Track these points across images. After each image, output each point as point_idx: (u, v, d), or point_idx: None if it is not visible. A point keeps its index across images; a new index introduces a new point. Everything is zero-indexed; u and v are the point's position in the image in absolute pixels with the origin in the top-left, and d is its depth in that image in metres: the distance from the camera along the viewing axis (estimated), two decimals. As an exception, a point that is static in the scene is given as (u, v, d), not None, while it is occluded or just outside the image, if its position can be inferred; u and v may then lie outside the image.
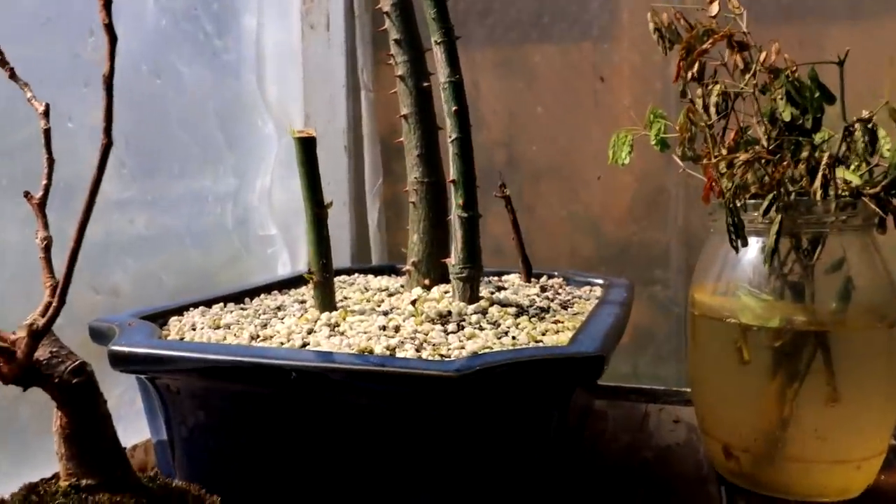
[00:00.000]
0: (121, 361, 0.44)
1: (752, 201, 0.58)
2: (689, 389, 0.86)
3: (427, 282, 0.69)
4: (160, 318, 0.56)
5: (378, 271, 0.85)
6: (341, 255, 0.99)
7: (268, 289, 0.71)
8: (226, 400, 0.45)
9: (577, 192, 0.97)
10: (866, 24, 0.88)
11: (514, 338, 0.52)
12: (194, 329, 0.54)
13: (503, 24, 0.96)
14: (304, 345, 0.50)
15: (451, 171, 0.61)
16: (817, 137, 0.60)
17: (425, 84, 0.68)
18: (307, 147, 0.56)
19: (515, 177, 0.97)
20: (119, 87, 0.67)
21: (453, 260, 0.62)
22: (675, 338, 0.97)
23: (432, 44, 0.61)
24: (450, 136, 0.60)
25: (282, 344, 0.50)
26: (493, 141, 0.98)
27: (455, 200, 0.60)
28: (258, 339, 0.51)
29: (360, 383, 0.41)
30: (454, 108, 0.60)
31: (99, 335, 0.50)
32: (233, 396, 0.45)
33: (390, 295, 0.68)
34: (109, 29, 0.34)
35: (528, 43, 0.95)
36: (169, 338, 0.52)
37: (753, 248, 0.60)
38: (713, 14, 0.59)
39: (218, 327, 0.55)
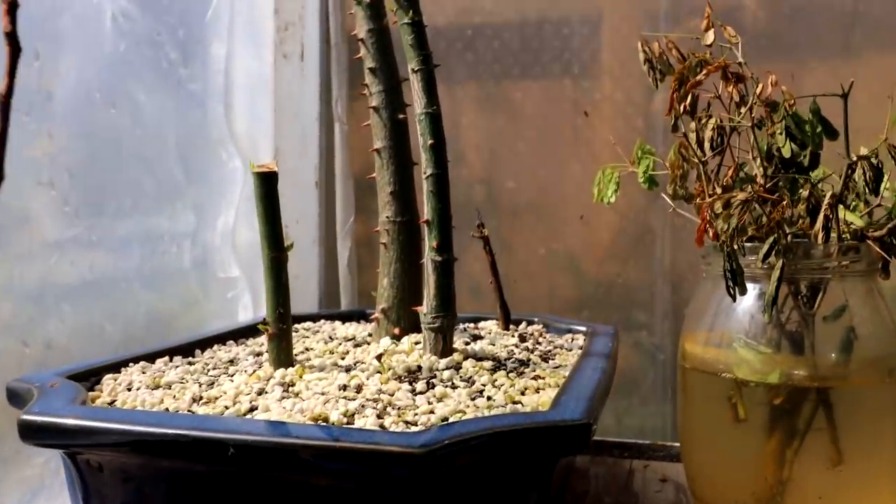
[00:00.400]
0: (31, 434, 0.38)
1: (749, 244, 0.54)
2: (675, 444, 0.81)
3: (397, 331, 0.63)
4: (93, 377, 0.50)
5: (347, 317, 0.79)
6: (309, 298, 0.93)
7: (222, 339, 0.65)
8: (155, 480, 0.39)
9: (558, 231, 0.94)
10: (863, 59, 0.85)
11: (489, 398, 0.47)
12: (130, 389, 0.48)
13: (485, 60, 0.94)
14: (252, 409, 0.44)
15: (426, 210, 0.56)
16: (815, 175, 0.56)
17: (401, 116, 0.64)
18: (267, 182, 0.51)
19: (494, 213, 0.94)
20: (64, 115, 0.62)
21: (425, 308, 0.56)
22: (661, 387, 0.92)
23: (409, 72, 0.57)
24: (425, 172, 0.55)
25: (226, 408, 0.44)
26: (472, 177, 0.94)
27: (429, 242, 0.55)
28: (201, 402, 0.46)
29: (311, 460, 0.35)
30: (430, 142, 0.55)
31: (16, 398, 0.44)
32: (163, 475, 0.39)
33: (357, 345, 0.63)
34: (12, 39, 0.29)
35: (509, 79, 0.94)
36: (98, 401, 0.46)
37: (750, 296, 0.55)
38: (708, 43, 0.55)
39: (157, 387, 0.49)
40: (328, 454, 0.35)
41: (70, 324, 0.60)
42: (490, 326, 0.74)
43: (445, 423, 0.40)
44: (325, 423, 0.40)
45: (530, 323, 0.75)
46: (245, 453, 0.36)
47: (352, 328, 0.72)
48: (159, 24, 0.72)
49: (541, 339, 0.69)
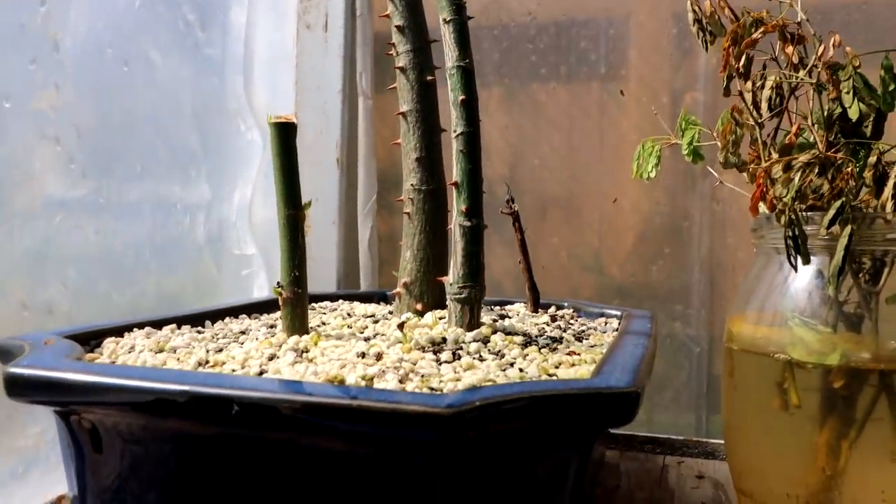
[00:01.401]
0: (15, 386, 0.34)
1: (809, 213, 0.49)
2: (711, 440, 0.76)
3: (420, 306, 0.59)
4: (94, 339, 0.46)
5: (366, 298, 0.75)
6: (327, 279, 0.89)
7: (235, 312, 0.61)
8: (154, 443, 0.35)
9: (584, 229, 0.91)
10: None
11: (521, 370, 0.42)
12: (132, 352, 0.44)
13: (510, 61, 0.92)
14: (262, 373, 0.40)
15: (455, 172, 0.51)
16: (880, 144, 0.52)
17: (429, 78, 0.60)
18: (284, 134, 0.47)
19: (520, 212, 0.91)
20: (73, 68, 0.59)
21: (451, 278, 0.52)
22: (696, 381, 0.87)
23: (440, 23, 0.53)
24: (454, 131, 0.51)
25: (234, 371, 0.40)
26: (496, 176, 0.91)
27: (457, 206, 0.51)
28: (206, 366, 0.42)
29: (323, 421, 0.31)
30: (461, 98, 0.51)
31: (7, 356, 0.40)
32: (163, 438, 0.35)
33: (376, 321, 0.59)
34: None
35: (535, 80, 0.92)
36: (97, 361, 0.42)
37: (806, 272, 0.51)
38: (765, -6, 0.51)
39: (161, 350, 0.45)
40: (344, 413, 0.31)
41: (73, 289, 0.56)
42: (518, 308, 0.70)
43: (474, 387, 0.36)
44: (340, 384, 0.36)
45: (560, 307, 0.71)
46: (251, 413, 0.32)
47: (371, 307, 0.68)
48: (176, -18, 0.68)
49: (572, 321, 0.64)
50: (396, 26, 0.60)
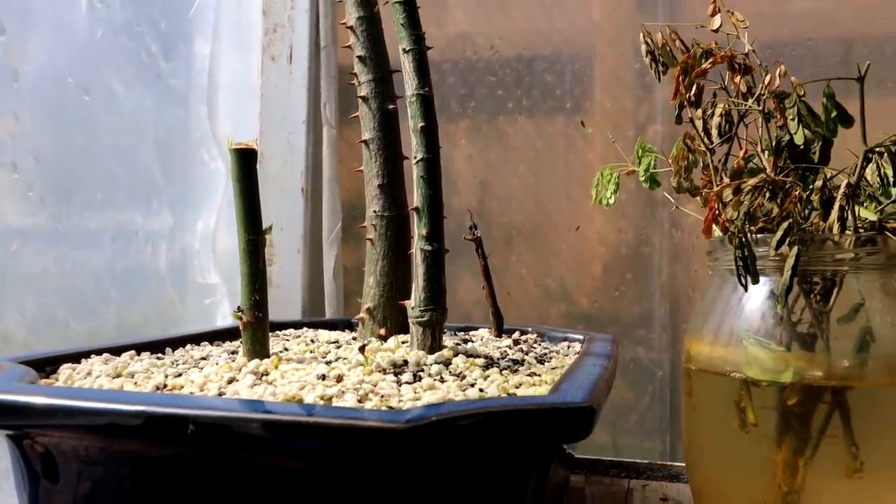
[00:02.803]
0: (-32, 410, 0.34)
1: (759, 235, 0.50)
2: (675, 463, 0.77)
3: (383, 331, 0.59)
4: (49, 365, 0.46)
5: (331, 325, 0.75)
6: (292, 308, 0.89)
7: (197, 339, 0.60)
8: (110, 467, 0.35)
9: (550, 259, 0.92)
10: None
11: (481, 390, 0.43)
12: (88, 377, 0.44)
13: (477, 95, 0.94)
14: (220, 395, 0.40)
15: (415, 197, 0.52)
16: (827, 170, 0.53)
17: (391, 106, 0.61)
18: (245, 160, 0.48)
19: (486, 243, 0.92)
20: (32, 96, 0.59)
21: (413, 302, 0.52)
22: (659, 404, 0.88)
23: (400, 53, 0.54)
24: (415, 157, 0.52)
25: (192, 394, 0.40)
26: (464, 208, 0.93)
27: (418, 231, 0.52)
28: (164, 389, 0.41)
29: (280, 438, 0.31)
30: (421, 125, 0.52)
31: (-41, 381, 0.39)
32: (119, 461, 0.35)
33: (339, 347, 0.59)
34: None
35: (502, 113, 0.94)
36: (49, 385, 0.42)
37: (759, 292, 0.52)
38: (715, 28, 0.53)
39: (119, 376, 0.45)
40: (301, 430, 0.31)
41: (30, 317, 0.55)
42: (482, 333, 0.70)
43: (432, 405, 0.36)
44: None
45: (524, 332, 0.71)
46: (208, 432, 0.32)
47: (335, 334, 0.68)
48: (139, 14, 0.69)
49: (535, 345, 0.65)
50: (358, 56, 0.62)
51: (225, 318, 0.82)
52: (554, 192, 0.92)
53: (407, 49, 0.54)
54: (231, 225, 0.84)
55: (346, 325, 0.75)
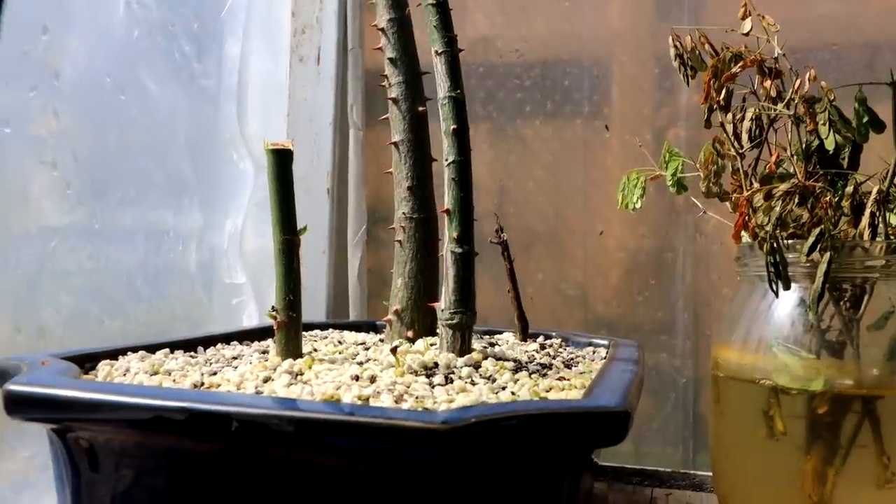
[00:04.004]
0: (16, 404, 0.35)
1: (791, 241, 0.50)
2: (699, 472, 0.77)
3: (411, 334, 0.60)
4: (88, 362, 0.47)
5: (356, 327, 0.76)
6: (317, 309, 0.90)
7: (227, 338, 0.61)
8: (151, 461, 0.35)
9: (569, 263, 0.92)
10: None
11: (513, 393, 0.43)
12: (126, 374, 0.45)
13: (496, 98, 0.94)
14: (258, 393, 0.40)
15: (446, 199, 0.53)
16: (857, 175, 0.53)
17: (420, 109, 0.61)
18: (281, 161, 0.48)
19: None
20: (71, 95, 0.60)
21: (442, 304, 0.53)
22: (682, 412, 0.88)
23: (432, 55, 0.54)
24: (446, 159, 0.53)
25: (229, 392, 0.41)
26: (482, 211, 0.94)
27: (449, 233, 0.52)
28: (202, 387, 0.42)
29: (322, 438, 0.32)
30: (453, 127, 0.52)
31: (4, 376, 0.40)
32: (160, 456, 0.36)
33: (367, 348, 0.59)
34: None
35: (521, 117, 0.94)
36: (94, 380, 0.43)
37: (789, 299, 0.52)
38: (746, 31, 0.53)
39: (156, 373, 0.45)
40: (342, 429, 0.31)
41: (66, 313, 0.56)
42: (507, 338, 0.70)
43: (468, 406, 0.36)
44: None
45: (548, 337, 0.72)
46: (250, 429, 0.32)
47: (361, 336, 0.69)
48: (174, 14, 0.70)
49: (561, 350, 0.65)
50: (389, 59, 0.62)
51: (251, 318, 0.83)
52: (572, 196, 0.93)
53: (440, 51, 0.54)
54: (258, 225, 0.85)
55: (371, 327, 0.76)
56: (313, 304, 0.90)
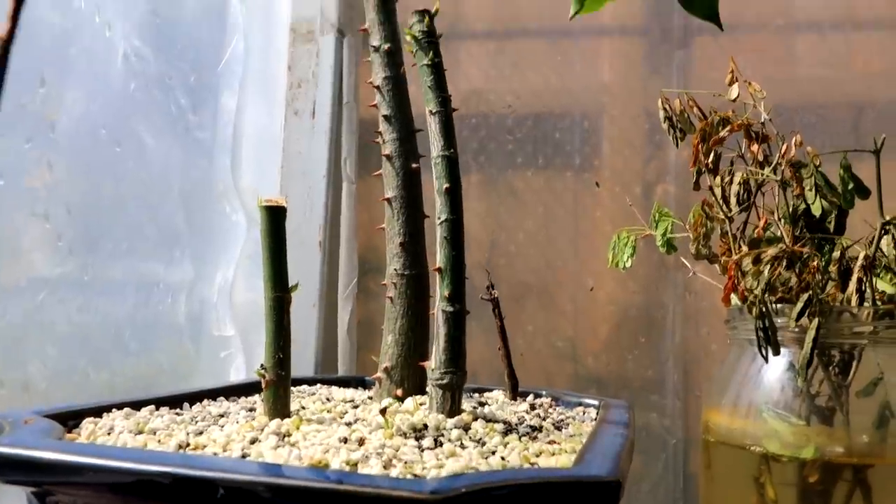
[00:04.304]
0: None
1: (780, 305, 0.51)
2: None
3: (400, 392, 0.59)
4: (72, 419, 0.46)
5: (344, 383, 0.75)
6: (305, 362, 0.89)
7: (214, 394, 0.60)
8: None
9: (559, 316, 0.92)
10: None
11: (503, 458, 0.43)
12: (111, 433, 0.44)
13: (487, 149, 0.95)
14: (244, 456, 0.40)
15: (438, 258, 0.53)
16: (843, 240, 0.54)
17: (414, 165, 0.62)
18: (274, 217, 0.48)
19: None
20: (67, 147, 0.60)
21: (433, 363, 0.52)
22: (672, 473, 0.87)
23: (426, 114, 0.55)
24: (439, 218, 0.53)
25: (216, 454, 0.40)
26: (472, 263, 0.94)
27: (440, 292, 0.52)
28: (188, 448, 0.41)
29: (308, 506, 0.31)
30: (446, 186, 0.53)
31: (-15, 433, 0.40)
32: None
33: (355, 406, 0.59)
34: None
35: (512, 168, 0.95)
36: (76, 442, 0.42)
37: (779, 363, 0.52)
38: (733, 98, 0.54)
39: (141, 432, 0.45)
40: (328, 498, 0.31)
41: (52, 367, 0.55)
42: (497, 396, 0.70)
43: (458, 474, 0.36)
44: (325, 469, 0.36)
45: (538, 395, 0.71)
46: (237, 496, 0.32)
47: (350, 392, 0.68)
48: (171, 68, 0.71)
49: (551, 410, 0.64)
50: (384, 115, 0.63)
51: (239, 372, 0.82)
52: (563, 248, 0.93)
53: (434, 111, 0.55)
54: (249, 278, 0.85)
55: (360, 382, 0.75)
56: (302, 358, 0.89)
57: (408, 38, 0.56)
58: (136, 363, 0.66)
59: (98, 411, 0.49)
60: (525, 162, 0.95)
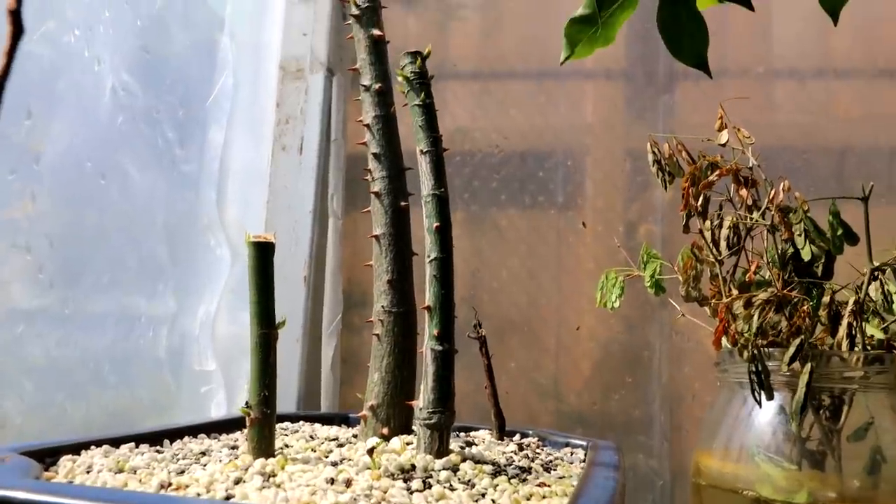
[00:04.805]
0: (-29, 506, 0.33)
1: (770, 349, 0.51)
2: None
3: (386, 431, 0.58)
4: (49, 456, 0.44)
5: (328, 420, 0.74)
6: (288, 397, 0.88)
7: (194, 431, 0.59)
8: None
9: (541, 353, 0.92)
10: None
11: (493, 501, 0.42)
12: (89, 472, 0.42)
13: (471, 187, 0.96)
14: (228, 497, 0.39)
15: (427, 296, 0.52)
16: (830, 285, 0.54)
17: (402, 203, 0.62)
18: (262, 254, 0.48)
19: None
20: (51, 179, 0.60)
21: (421, 403, 0.52)
22: (658, 516, 0.86)
23: (417, 153, 0.55)
24: (428, 256, 0.53)
25: (198, 495, 0.39)
26: (457, 297, 0.94)
27: (429, 330, 0.52)
28: (169, 489, 0.40)
29: (296, 553, 0.30)
30: (436, 225, 0.52)
31: (-41, 472, 0.38)
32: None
33: (340, 445, 0.58)
34: (16, 18, 0.26)
35: (496, 206, 0.96)
36: (54, 481, 0.40)
37: (770, 407, 0.52)
38: (722, 143, 0.54)
39: (121, 471, 0.43)
40: (320, 545, 0.30)
41: (29, 402, 0.54)
42: (483, 436, 0.69)
43: (451, 519, 0.35)
44: (313, 514, 0.35)
45: (525, 435, 0.70)
46: (220, 542, 0.31)
47: (334, 430, 0.67)
48: (160, 102, 0.70)
49: (539, 451, 0.64)
50: (373, 154, 0.63)
51: (220, 407, 0.81)
52: (546, 285, 0.93)
53: (424, 150, 0.55)
54: (232, 312, 0.84)
55: (343, 419, 0.74)
56: (285, 394, 0.88)
57: (399, 78, 0.56)
58: (115, 397, 0.65)
59: (76, 448, 0.47)
60: (509, 200, 0.95)
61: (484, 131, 0.96)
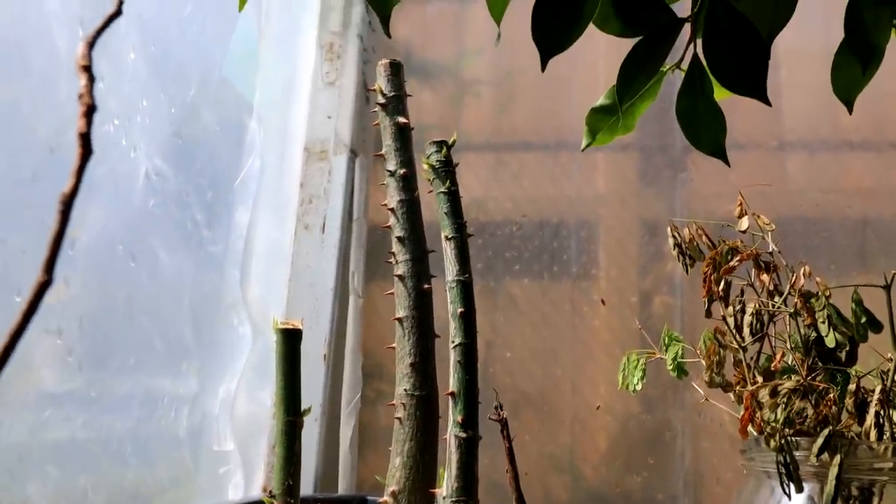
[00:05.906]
0: None
1: (798, 438, 0.50)
2: None
3: (408, 517, 0.57)
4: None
5: (346, 502, 0.73)
6: (305, 478, 0.86)
7: (215, 514, 0.59)
8: None
9: (556, 429, 0.90)
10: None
11: None
12: (114, 561, 0.42)
13: (484, 256, 0.96)
14: (253, 592, 0.38)
15: (451, 382, 0.53)
16: (857, 370, 0.54)
17: (426, 286, 0.62)
18: (291, 341, 0.49)
19: (491, 409, 0.91)
20: (85, 264, 0.61)
21: (444, 491, 0.51)
22: None
23: (442, 239, 0.56)
24: (453, 342, 0.53)
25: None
26: None
27: (453, 417, 0.52)
28: (194, 581, 0.40)
29: None
30: (460, 310, 0.53)
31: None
32: None
33: (362, 530, 0.57)
34: (85, 141, 0.26)
35: (510, 275, 0.96)
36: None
37: (797, 498, 0.51)
38: (743, 229, 0.55)
39: (145, 560, 0.43)
40: None
41: (52, 487, 0.54)
42: (504, 521, 0.68)
43: None
44: None
45: (546, 520, 0.69)
46: None
47: (353, 514, 0.66)
48: (190, 185, 0.72)
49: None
50: (397, 237, 0.64)
51: (237, 488, 0.80)
52: (561, 357, 0.92)
53: (449, 237, 0.56)
54: (252, 391, 0.84)
55: (362, 502, 0.73)
56: (303, 473, 0.87)
57: (425, 166, 0.58)
58: (136, 478, 0.65)
59: (99, 538, 0.47)
60: (522, 269, 0.95)
61: (498, 201, 0.97)
